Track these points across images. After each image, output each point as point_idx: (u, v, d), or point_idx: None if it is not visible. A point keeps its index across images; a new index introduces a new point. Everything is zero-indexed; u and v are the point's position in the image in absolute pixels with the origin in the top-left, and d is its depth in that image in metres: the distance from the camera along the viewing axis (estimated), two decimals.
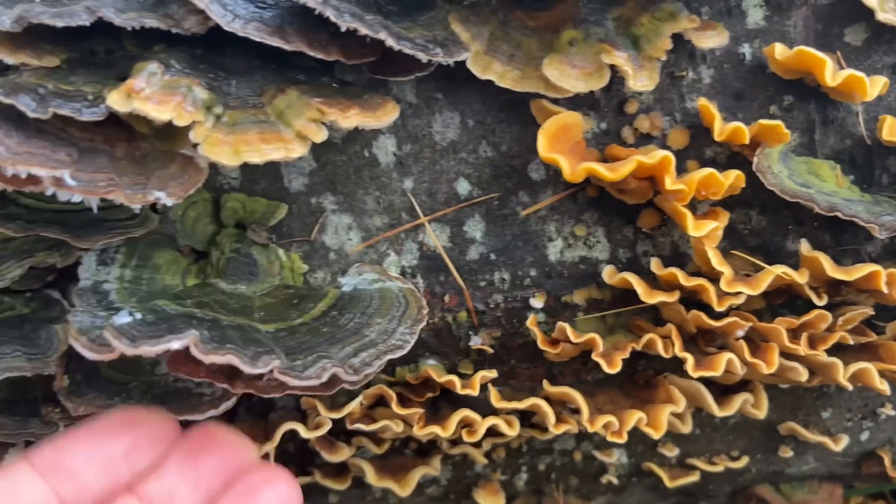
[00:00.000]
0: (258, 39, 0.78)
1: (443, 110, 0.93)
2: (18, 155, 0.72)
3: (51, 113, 0.73)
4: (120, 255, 0.87)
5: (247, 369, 0.71)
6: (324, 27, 0.82)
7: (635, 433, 0.94)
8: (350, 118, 0.80)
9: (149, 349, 0.70)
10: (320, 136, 0.80)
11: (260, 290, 0.88)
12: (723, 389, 1.01)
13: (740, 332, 0.89)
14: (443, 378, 0.90)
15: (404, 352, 0.81)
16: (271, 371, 0.73)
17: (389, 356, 0.80)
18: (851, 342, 0.91)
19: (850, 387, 0.91)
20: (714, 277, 0.88)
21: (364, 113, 0.82)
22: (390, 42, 0.77)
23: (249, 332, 0.78)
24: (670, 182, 0.82)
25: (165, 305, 0.78)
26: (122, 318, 0.74)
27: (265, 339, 0.77)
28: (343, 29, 0.76)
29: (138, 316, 0.75)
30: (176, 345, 0.70)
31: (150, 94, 0.75)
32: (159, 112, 0.75)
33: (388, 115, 0.84)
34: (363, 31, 0.76)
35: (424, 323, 0.85)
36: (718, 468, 1.08)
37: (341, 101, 0.82)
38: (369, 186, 0.94)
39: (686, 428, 0.98)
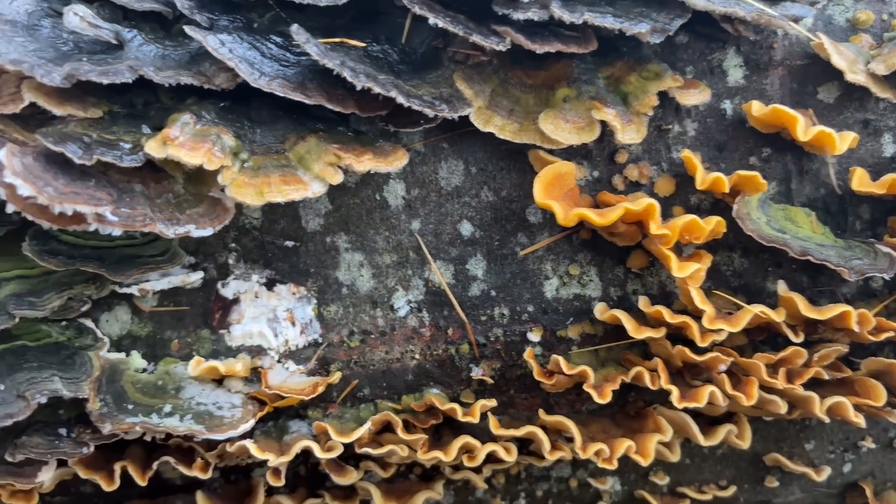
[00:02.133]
0: (282, 95, 0.87)
1: (448, 158, 1.01)
2: (65, 195, 0.81)
3: (95, 160, 0.82)
4: None
5: None
6: (341, 83, 0.91)
7: (628, 462, 1.00)
8: (364, 162, 0.89)
9: None
10: (337, 178, 0.88)
11: None
12: (709, 421, 1.07)
13: (722, 367, 0.95)
14: (445, 406, 0.97)
15: None
16: None
17: None
18: (827, 377, 0.98)
19: (826, 419, 0.97)
20: (698, 315, 0.94)
21: (376, 158, 0.90)
22: (400, 100, 0.86)
23: None
24: (655, 227, 0.90)
25: None
26: None
27: None
28: (358, 88, 0.84)
29: None
30: None
31: (183, 142, 0.84)
32: (191, 157, 0.83)
33: (398, 160, 0.92)
34: (376, 90, 0.84)
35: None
36: (707, 497, 1.14)
37: (356, 148, 0.90)
38: (380, 227, 1.02)
39: (674, 457, 1.04)
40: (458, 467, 1.10)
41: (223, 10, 0.97)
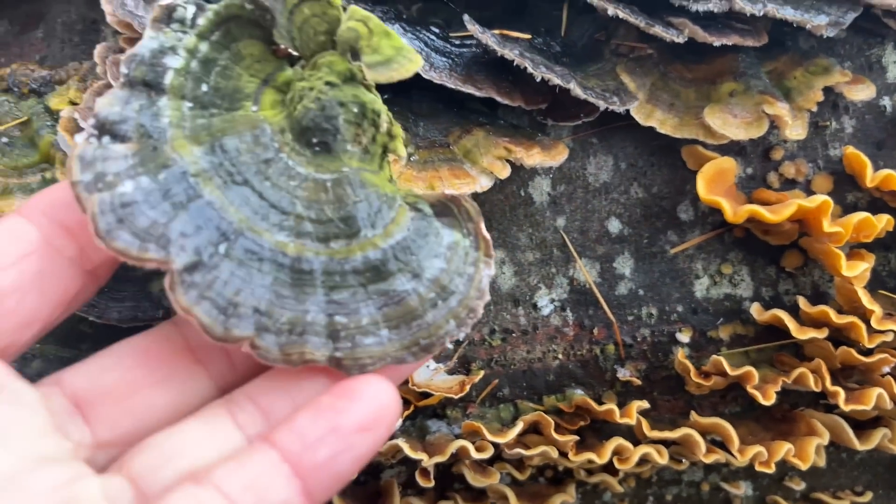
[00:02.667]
0: (452, 87, 0.85)
1: (597, 154, 0.99)
2: None
3: None
4: (203, 19, 0.61)
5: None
6: (505, 74, 0.89)
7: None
8: (533, 157, 0.87)
9: (123, 248, 0.54)
10: (505, 172, 0.86)
11: (320, 174, 0.62)
12: (853, 425, 1.04)
13: (887, 369, 0.93)
14: (601, 408, 0.95)
15: None
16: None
17: None
18: None
19: None
20: (861, 316, 0.92)
21: (543, 153, 0.88)
22: (577, 91, 0.84)
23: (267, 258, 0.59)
24: (828, 225, 0.88)
25: (188, 160, 0.58)
26: (126, 186, 0.55)
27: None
28: (538, 79, 0.83)
29: (144, 180, 0.56)
30: (152, 264, 0.55)
31: None
32: None
33: (560, 155, 0.90)
34: (555, 81, 0.82)
35: None
36: (844, 503, 1.11)
37: (523, 141, 0.88)
38: (523, 224, 1.00)
39: (822, 461, 1.02)
40: (591, 471, 1.08)
41: (373, 1, 0.95)
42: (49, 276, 0.59)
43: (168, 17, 0.60)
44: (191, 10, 0.61)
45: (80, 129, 0.87)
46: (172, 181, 0.56)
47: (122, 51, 0.91)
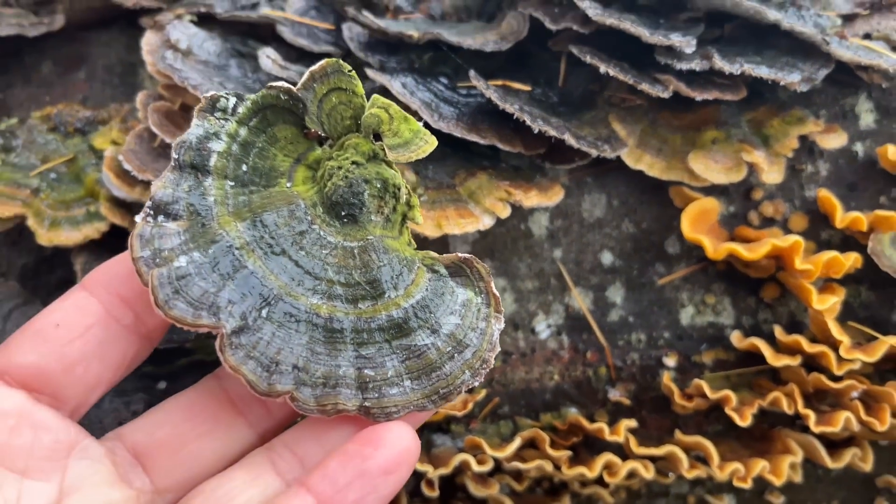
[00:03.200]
0: (459, 136, 0.94)
1: (592, 192, 1.08)
2: None
3: None
4: (242, 108, 0.70)
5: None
6: (507, 123, 0.98)
7: None
8: (531, 198, 0.96)
9: (179, 316, 0.63)
10: (506, 212, 0.95)
11: (348, 242, 0.70)
12: (827, 444, 1.12)
13: (855, 394, 1.01)
14: (593, 426, 1.03)
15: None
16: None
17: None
18: None
19: None
20: (832, 345, 1.00)
21: (540, 194, 0.97)
22: (571, 141, 0.93)
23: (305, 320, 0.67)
24: (799, 262, 0.96)
25: (233, 235, 0.66)
26: (181, 261, 0.64)
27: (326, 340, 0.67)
28: (535, 131, 0.92)
29: (196, 255, 0.65)
30: (205, 329, 0.64)
31: None
32: None
33: (556, 195, 0.99)
34: (551, 132, 0.91)
35: None
36: None
37: (522, 184, 0.97)
38: (523, 255, 1.09)
39: (798, 477, 1.10)
40: (585, 483, 1.16)
41: (388, 52, 1.04)
42: (110, 344, 0.68)
43: (212, 106, 0.69)
44: (232, 100, 0.70)
45: (122, 169, 0.97)
46: (220, 254, 0.65)
47: (160, 97, 1.00)
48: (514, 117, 0.91)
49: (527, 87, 0.99)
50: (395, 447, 0.65)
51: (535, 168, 1.06)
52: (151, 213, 0.66)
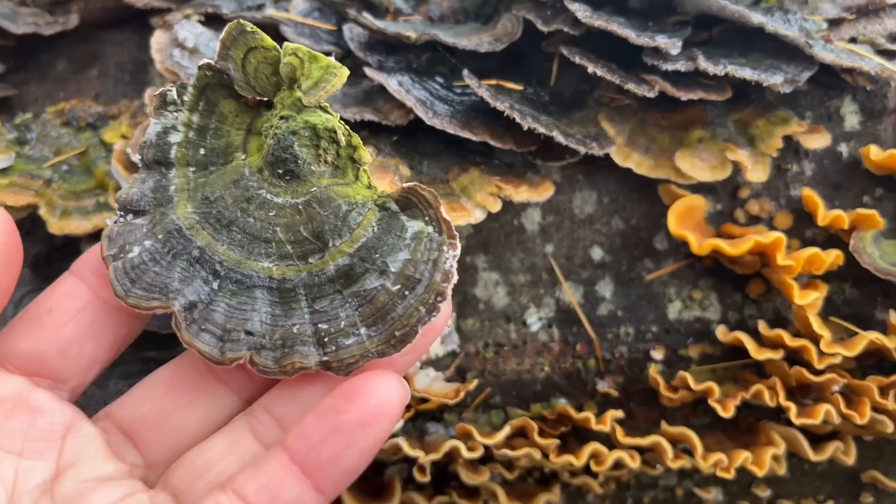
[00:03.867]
0: (452, 133, 0.98)
1: (582, 189, 1.11)
2: None
3: None
4: (188, 95, 0.72)
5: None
6: (499, 121, 1.02)
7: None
8: (521, 193, 0.99)
9: (135, 303, 0.68)
10: (497, 206, 0.99)
11: (294, 199, 0.70)
12: (812, 439, 1.15)
13: (836, 388, 1.04)
14: (580, 415, 1.06)
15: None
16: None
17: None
18: None
19: None
20: (814, 340, 1.03)
21: (530, 190, 1.00)
22: (559, 139, 0.96)
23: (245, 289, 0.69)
24: (781, 258, 0.99)
25: (182, 217, 0.69)
26: (134, 251, 0.68)
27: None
28: (525, 128, 0.95)
29: (147, 243, 0.68)
30: (160, 311, 0.68)
31: (370, 171, 0.95)
32: (379, 185, 0.94)
33: (546, 191, 1.02)
34: (540, 130, 0.95)
35: None
36: None
37: (513, 180, 1.01)
38: (516, 249, 1.12)
39: (782, 470, 1.12)
40: (574, 473, 1.19)
41: (386, 52, 1.08)
42: (101, 325, 0.72)
43: (163, 101, 0.72)
44: (177, 90, 0.72)
45: (131, 161, 1.01)
46: (171, 238, 0.68)
47: None
48: (505, 115, 0.95)
49: (519, 87, 1.03)
50: (373, 398, 0.64)
51: (527, 165, 1.09)
52: (121, 213, 0.70)
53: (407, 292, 0.66)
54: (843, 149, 1.09)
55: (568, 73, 1.08)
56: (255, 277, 0.68)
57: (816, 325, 1.02)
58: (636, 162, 1.04)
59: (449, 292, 0.66)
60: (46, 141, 1.10)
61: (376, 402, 0.64)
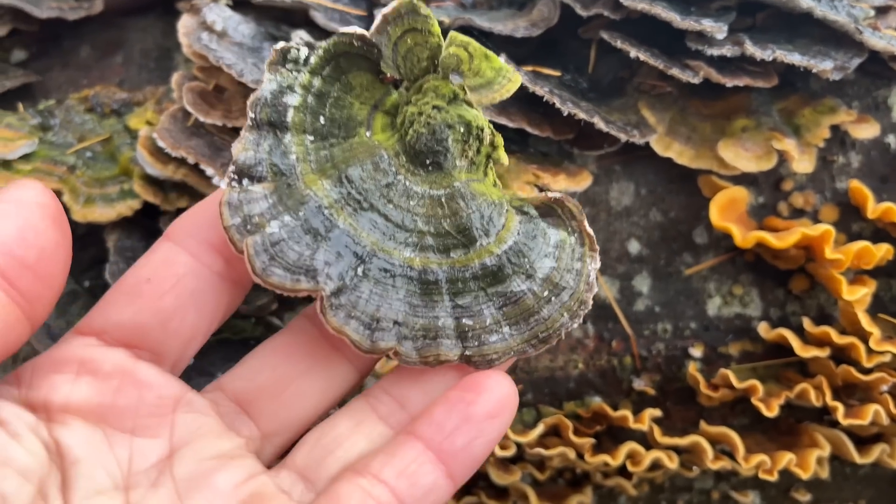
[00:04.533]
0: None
1: (619, 180, 1.08)
2: None
3: None
4: (314, 58, 0.69)
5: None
6: (536, 107, 0.99)
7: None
8: (559, 182, 0.96)
9: (278, 283, 0.63)
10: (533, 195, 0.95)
11: (435, 191, 0.69)
12: (855, 441, 1.11)
13: (885, 387, 1.00)
14: (616, 414, 1.03)
15: None
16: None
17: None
18: None
19: None
20: (861, 337, 0.99)
21: (568, 179, 0.97)
22: (600, 125, 0.93)
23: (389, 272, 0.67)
24: (829, 252, 0.95)
25: (321, 195, 0.66)
26: (273, 226, 0.64)
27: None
28: (565, 114, 0.92)
29: (287, 218, 0.64)
30: (305, 293, 0.64)
31: None
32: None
33: (584, 181, 0.99)
34: (580, 115, 0.92)
35: None
36: None
37: (550, 168, 0.97)
38: None
39: (825, 473, 1.09)
40: (608, 474, 1.16)
41: None
42: (203, 293, 0.67)
43: (283, 58, 0.68)
44: (304, 50, 0.68)
45: (156, 147, 0.98)
46: (310, 215, 0.65)
47: (195, 78, 1.02)
48: (544, 100, 0.92)
49: (557, 73, 1.00)
50: (497, 392, 0.66)
51: (563, 154, 1.06)
52: (236, 177, 0.65)
53: (553, 298, 0.68)
54: (892, 140, 1.05)
55: (606, 60, 1.04)
56: (397, 266, 0.66)
57: (865, 322, 0.98)
58: (677, 152, 1.01)
59: (591, 302, 0.69)
60: (70, 127, 1.07)
61: (500, 396, 0.67)
